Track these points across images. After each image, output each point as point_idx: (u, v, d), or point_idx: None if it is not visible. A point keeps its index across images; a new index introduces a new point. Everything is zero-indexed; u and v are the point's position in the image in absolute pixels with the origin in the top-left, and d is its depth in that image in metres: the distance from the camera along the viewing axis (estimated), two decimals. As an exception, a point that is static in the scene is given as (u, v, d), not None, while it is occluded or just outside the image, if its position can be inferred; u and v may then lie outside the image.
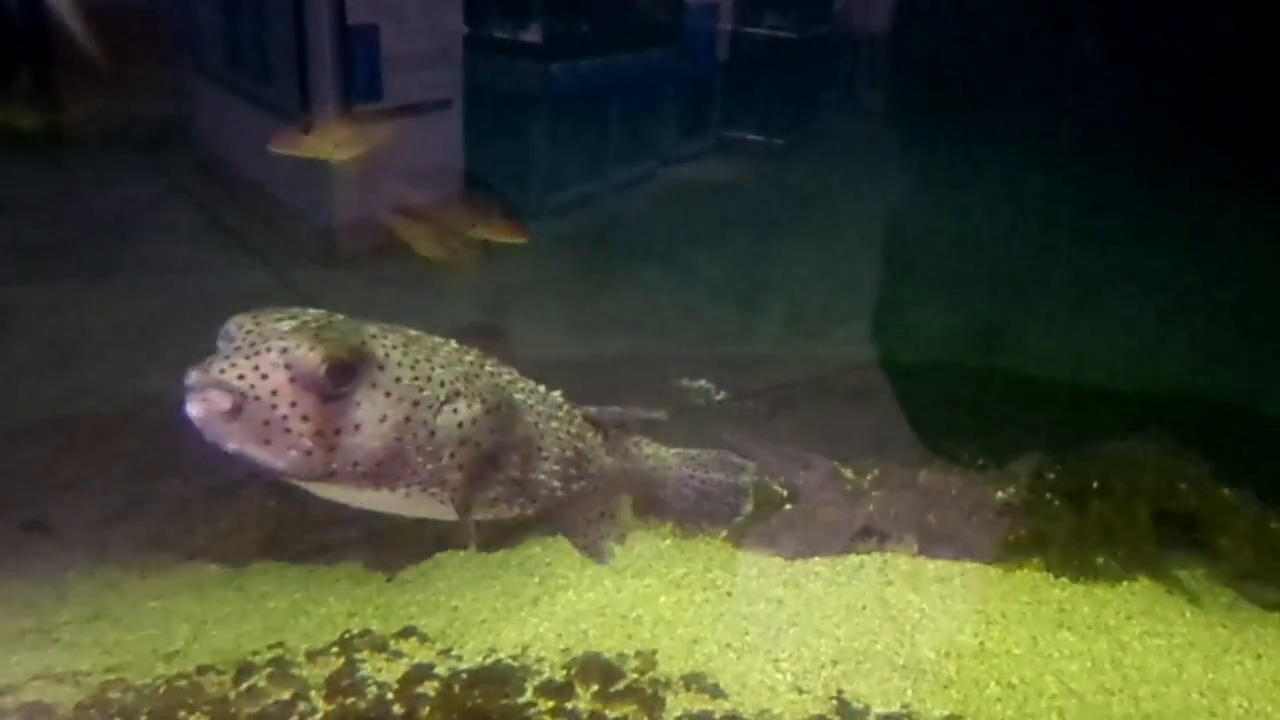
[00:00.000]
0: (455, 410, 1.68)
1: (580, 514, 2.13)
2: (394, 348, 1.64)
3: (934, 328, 5.26)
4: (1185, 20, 4.26)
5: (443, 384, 1.68)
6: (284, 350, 1.51)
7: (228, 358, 1.51)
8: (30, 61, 6.09)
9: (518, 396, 1.86)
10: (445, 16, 6.77)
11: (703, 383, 4.54)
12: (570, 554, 3.49)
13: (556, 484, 1.97)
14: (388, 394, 1.58)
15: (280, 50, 6.24)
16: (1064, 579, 3.81)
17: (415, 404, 1.62)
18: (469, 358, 1.80)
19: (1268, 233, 4.23)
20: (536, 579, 3.35)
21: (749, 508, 2.33)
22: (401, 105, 6.48)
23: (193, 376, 1.47)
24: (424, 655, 2.84)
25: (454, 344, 1.82)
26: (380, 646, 2.82)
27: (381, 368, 1.59)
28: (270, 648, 2.85)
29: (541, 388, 1.98)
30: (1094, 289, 4.91)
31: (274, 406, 1.49)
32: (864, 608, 3.54)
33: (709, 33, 8.75)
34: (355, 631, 2.90)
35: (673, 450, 2.28)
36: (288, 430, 1.50)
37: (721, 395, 4.54)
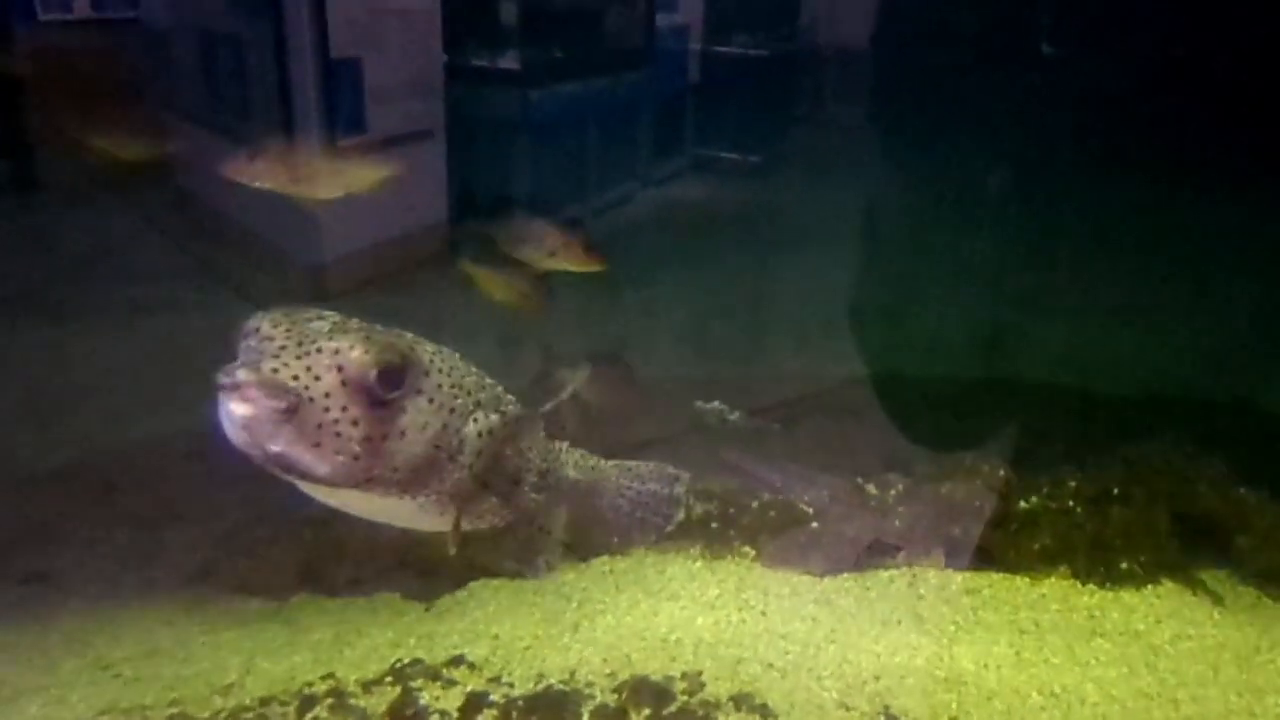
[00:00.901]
0: (476, 420, 1.69)
1: (525, 527, 2.11)
2: (434, 354, 1.64)
3: (933, 338, 5.30)
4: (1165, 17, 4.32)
5: (469, 393, 1.68)
6: (336, 352, 1.47)
7: (276, 356, 1.46)
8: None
9: (511, 409, 1.86)
10: (425, 47, 6.75)
11: (717, 404, 4.53)
12: (605, 579, 3.48)
13: (533, 496, 1.97)
14: (430, 400, 1.57)
15: (261, 85, 6.17)
16: (1090, 586, 3.83)
17: (452, 412, 1.61)
18: (474, 368, 1.80)
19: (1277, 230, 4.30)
20: (574, 604, 3.32)
21: (680, 517, 2.33)
22: (385, 137, 6.44)
23: (241, 375, 1.41)
24: (476, 683, 2.82)
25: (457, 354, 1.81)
26: (433, 675, 2.79)
27: (426, 374, 1.58)
28: (322, 679, 2.82)
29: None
30: (1093, 292, 4.97)
31: (326, 410, 1.45)
32: (899, 622, 3.54)
33: (681, 54, 8.82)
34: (406, 661, 2.84)
35: (610, 462, 2.26)
36: (338, 435, 1.46)
37: (735, 415, 4.52)
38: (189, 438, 4.10)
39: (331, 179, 4.23)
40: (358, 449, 1.48)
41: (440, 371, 1.61)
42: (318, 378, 1.45)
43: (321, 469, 1.46)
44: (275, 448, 1.43)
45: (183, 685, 2.72)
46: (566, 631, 3.15)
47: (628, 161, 8.52)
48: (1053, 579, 3.85)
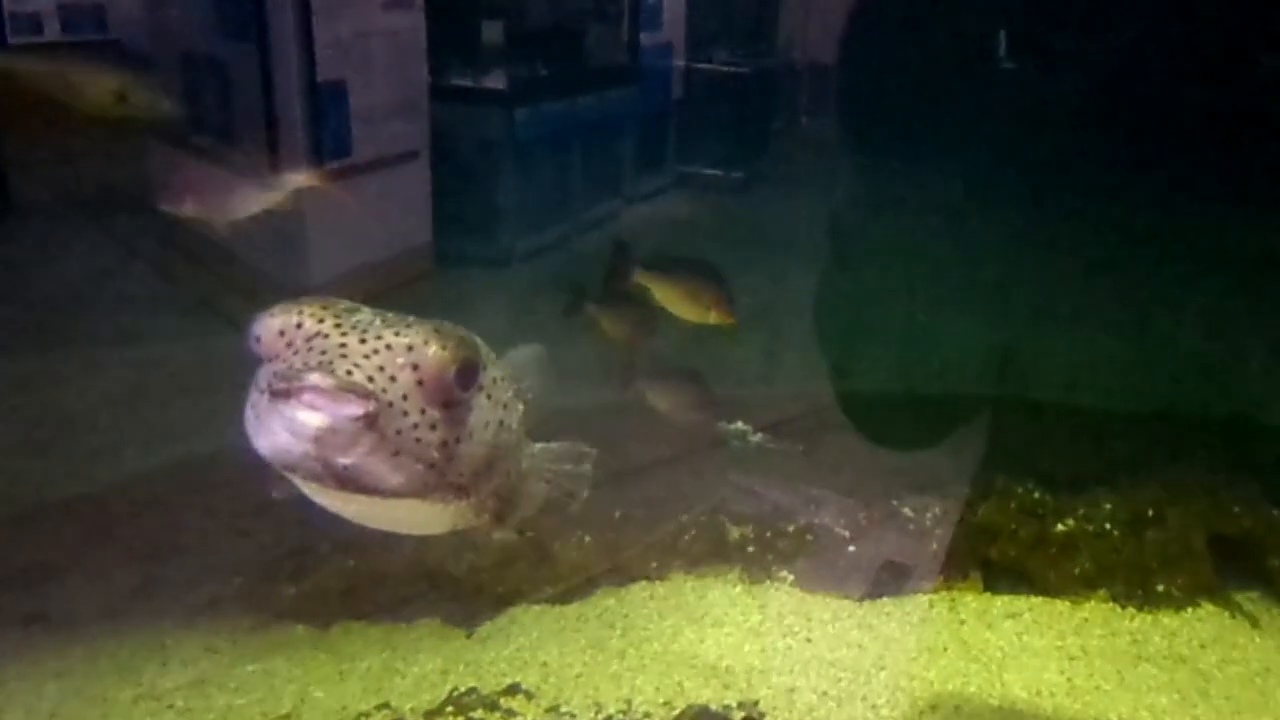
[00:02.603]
0: (516, 411, 1.53)
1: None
2: (481, 345, 1.46)
3: (942, 355, 5.22)
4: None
5: (508, 383, 1.52)
6: (410, 349, 1.29)
7: (343, 356, 1.27)
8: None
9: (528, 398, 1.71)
10: (410, 68, 6.67)
11: (740, 424, 4.42)
12: (646, 605, 3.35)
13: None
14: (489, 396, 1.41)
15: (246, 110, 6.02)
16: (1130, 609, 3.79)
17: (505, 407, 1.45)
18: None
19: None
20: (618, 630, 3.21)
21: (585, 493, 2.21)
22: (370, 160, 6.34)
23: (312, 378, 1.21)
24: (535, 713, 2.72)
25: None
26: (491, 705, 2.68)
27: (485, 367, 1.40)
28: (378, 709, 2.72)
29: None
30: (1102, 307, 4.93)
31: (405, 414, 1.28)
32: (945, 648, 3.47)
33: (664, 71, 8.86)
34: (462, 690, 2.68)
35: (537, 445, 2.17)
36: (418, 441, 1.29)
37: (758, 436, 4.42)
38: (185, 468, 3.98)
39: (243, 201, 4.19)
40: (435, 455, 1.31)
41: (492, 363, 1.45)
42: (393, 379, 1.27)
43: (396, 480, 1.29)
44: (347, 460, 1.24)
45: (235, 716, 2.61)
46: (614, 659, 3.03)
47: (612, 179, 8.48)
48: (1093, 603, 3.80)
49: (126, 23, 7.01)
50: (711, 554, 3.59)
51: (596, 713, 2.73)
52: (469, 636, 3.12)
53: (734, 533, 3.69)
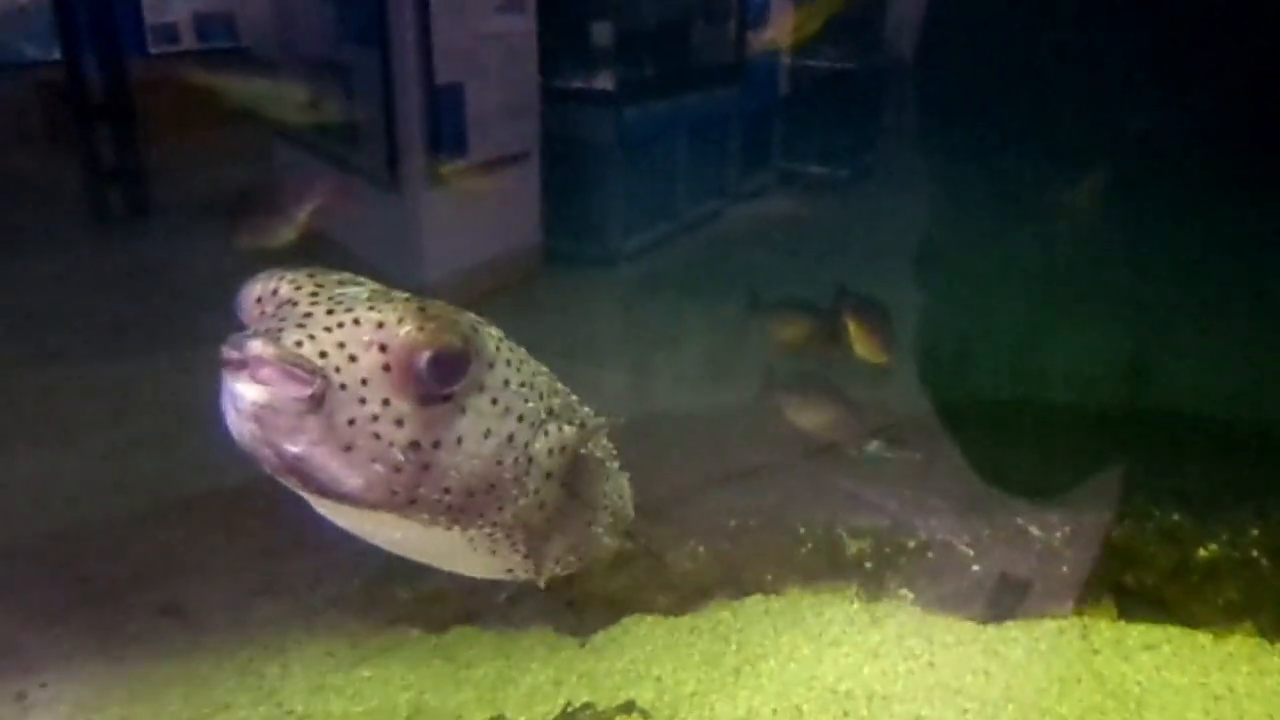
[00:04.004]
0: (548, 433, 1.30)
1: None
2: (501, 342, 1.25)
3: (1066, 364, 4.97)
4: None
5: (541, 396, 1.29)
6: (380, 325, 1.09)
7: (301, 326, 1.08)
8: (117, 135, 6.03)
9: (591, 422, 1.49)
10: (522, 70, 6.71)
11: (875, 444, 4.25)
12: (762, 620, 3.25)
13: (606, 538, 1.58)
14: (494, 401, 1.19)
15: (369, 112, 6.15)
16: (1279, 644, 3.49)
17: (520, 419, 1.23)
18: (543, 368, 1.40)
19: None
20: (733, 646, 3.13)
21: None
22: (485, 160, 6.41)
23: (253, 346, 1.04)
24: None
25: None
26: None
27: (491, 365, 1.19)
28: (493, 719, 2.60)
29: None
30: (1231, 313, 4.62)
31: (363, 401, 1.07)
32: (1078, 680, 3.28)
33: (771, 68, 8.76)
34: (576, 705, 2.65)
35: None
36: (376, 436, 1.08)
37: (874, 445, 4.26)
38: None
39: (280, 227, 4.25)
40: (400, 458, 1.10)
41: (508, 364, 1.23)
42: (353, 358, 1.07)
43: (351, 482, 1.09)
44: (293, 449, 1.06)
45: None
46: (729, 676, 2.95)
47: (717, 177, 8.43)
48: (1238, 636, 3.55)
49: (254, 31, 7.24)
50: (828, 569, 3.48)
51: (714, 734, 2.65)
52: (582, 646, 3.08)
53: (851, 547, 3.57)
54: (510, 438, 1.21)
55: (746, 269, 7.16)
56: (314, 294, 1.13)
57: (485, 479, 1.19)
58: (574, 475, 1.36)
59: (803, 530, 3.57)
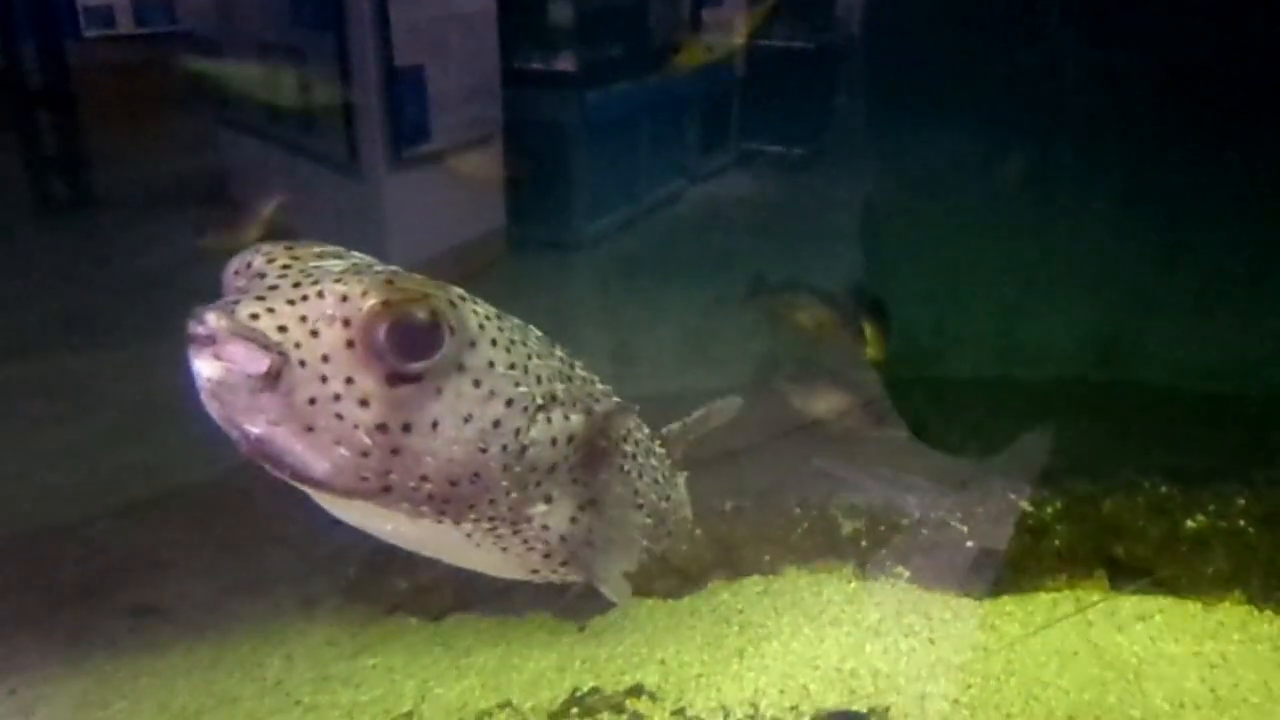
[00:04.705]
0: (550, 420, 1.21)
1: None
2: (488, 319, 1.16)
3: (1042, 339, 4.97)
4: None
5: (539, 380, 1.20)
6: (344, 299, 1.02)
7: (261, 298, 1.03)
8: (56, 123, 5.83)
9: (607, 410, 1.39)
10: (483, 52, 6.58)
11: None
12: (760, 600, 3.21)
13: (645, 541, 1.50)
14: (477, 383, 1.11)
15: (324, 96, 5.97)
16: (1269, 612, 3.56)
17: (509, 403, 1.14)
18: (559, 352, 1.33)
19: None
20: (735, 628, 3.09)
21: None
22: (447, 145, 6.27)
23: (211, 319, 0.99)
24: (660, 715, 2.62)
25: (535, 331, 1.32)
26: (617, 708, 2.60)
27: (473, 344, 1.11)
28: (500, 707, 2.64)
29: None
30: (1206, 288, 4.66)
31: (324, 379, 1.01)
32: (1075, 653, 3.28)
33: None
34: (584, 690, 2.59)
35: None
36: (339, 417, 1.02)
37: (875, 432, 4.18)
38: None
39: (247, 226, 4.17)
40: (367, 441, 1.04)
41: (495, 344, 1.14)
42: (314, 332, 1.01)
43: (317, 466, 1.03)
44: (255, 428, 1.01)
45: (361, 713, 2.53)
46: (733, 658, 2.90)
47: (677, 159, 8.38)
48: (1228, 605, 3.58)
49: (195, 12, 6.99)
50: (824, 548, 3.44)
51: (724, 716, 2.61)
52: (581, 630, 3.02)
53: (846, 526, 3.54)
54: (496, 424, 1.13)
55: (713, 250, 7.12)
56: (285, 266, 1.07)
57: (468, 468, 1.11)
58: (589, 469, 1.28)
59: (797, 510, 3.53)
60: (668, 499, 1.55)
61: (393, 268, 1.15)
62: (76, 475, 3.95)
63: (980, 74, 4.59)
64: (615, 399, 1.40)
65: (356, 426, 1.02)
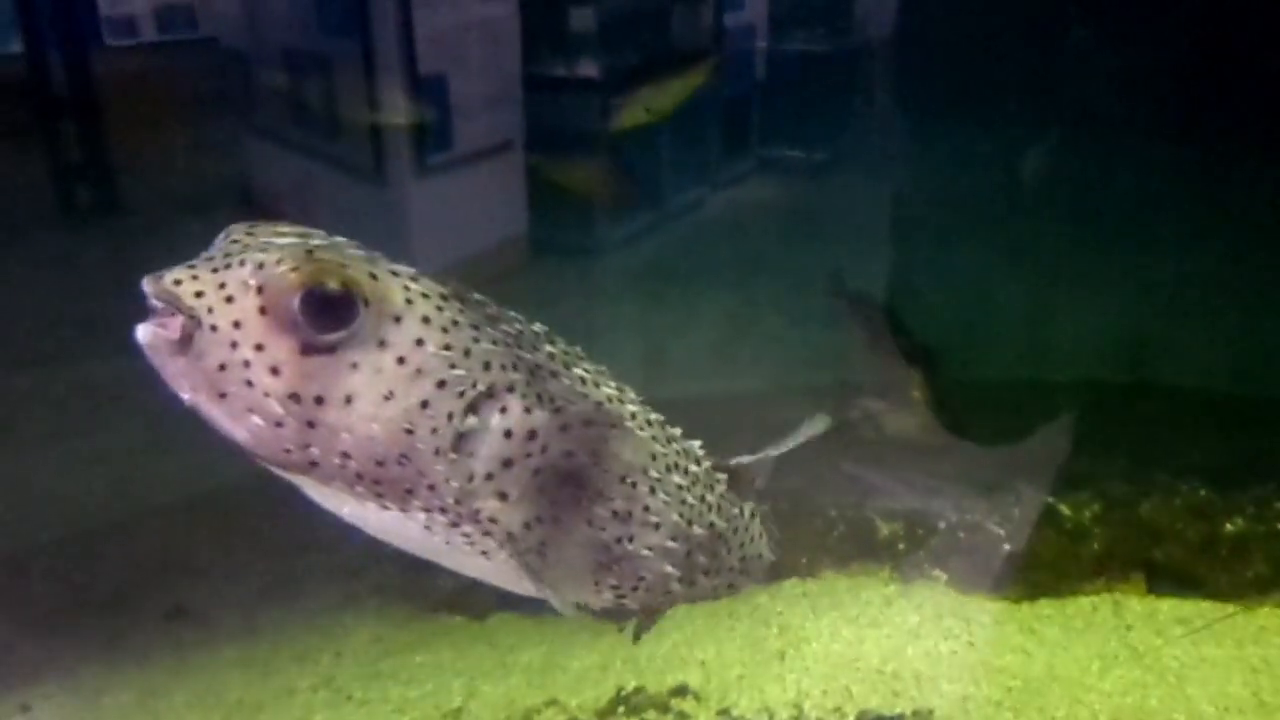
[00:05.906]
0: (504, 410, 1.16)
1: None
2: (423, 296, 1.12)
3: (1070, 341, 4.93)
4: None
5: (487, 366, 1.14)
6: (259, 266, 1.04)
7: (192, 266, 1.07)
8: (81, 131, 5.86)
9: (628, 424, 1.31)
10: (505, 58, 6.60)
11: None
12: (800, 602, 3.19)
13: (669, 569, 1.39)
14: (400, 360, 1.08)
15: (349, 104, 6.00)
16: (1310, 617, 3.48)
17: (440, 385, 1.10)
18: (560, 350, 1.28)
19: None
20: (774, 630, 3.09)
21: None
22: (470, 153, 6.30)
23: (144, 282, 1.05)
24: (706, 716, 2.62)
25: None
26: (663, 707, 2.61)
27: (398, 319, 1.08)
28: (547, 704, 2.65)
29: (675, 430, 1.44)
30: (1241, 290, 4.62)
31: (234, 345, 1.03)
32: (1116, 657, 3.24)
33: (748, 53, 8.74)
34: (628, 689, 2.58)
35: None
36: (249, 383, 1.03)
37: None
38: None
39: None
40: (279, 410, 1.04)
41: (425, 321, 1.10)
42: (229, 299, 1.03)
43: (237, 431, 1.05)
44: (185, 393, 1.05)
45: (411, 708, 2.55)
46: (774, 660, 2.90)
47: (699, 165, 8.38)
48: (1268, 609, 3.54)
49: (218, 19, 7.03)
50: (862, 551, 3.42)
51: (769, 717, 2.61)
52: (621, 631, 2.96)
53: (883, 529, 3.52)
54: (424, 404, 1.09)
55: (737, 256, 7.10)
56: (236, 240, 1.09)
57: (393, 448, 1.08)
58: (564, 474, 1.21)
59: (834, 513, 3.51)
60: (710, 526, 1.46)
61: (377, 254, 1.14)
62: (107, 482, 3.95)
63: (1007, 75, 4.58)
64: (634, 409, 1.34)
65: (268, 395, 1.03)
